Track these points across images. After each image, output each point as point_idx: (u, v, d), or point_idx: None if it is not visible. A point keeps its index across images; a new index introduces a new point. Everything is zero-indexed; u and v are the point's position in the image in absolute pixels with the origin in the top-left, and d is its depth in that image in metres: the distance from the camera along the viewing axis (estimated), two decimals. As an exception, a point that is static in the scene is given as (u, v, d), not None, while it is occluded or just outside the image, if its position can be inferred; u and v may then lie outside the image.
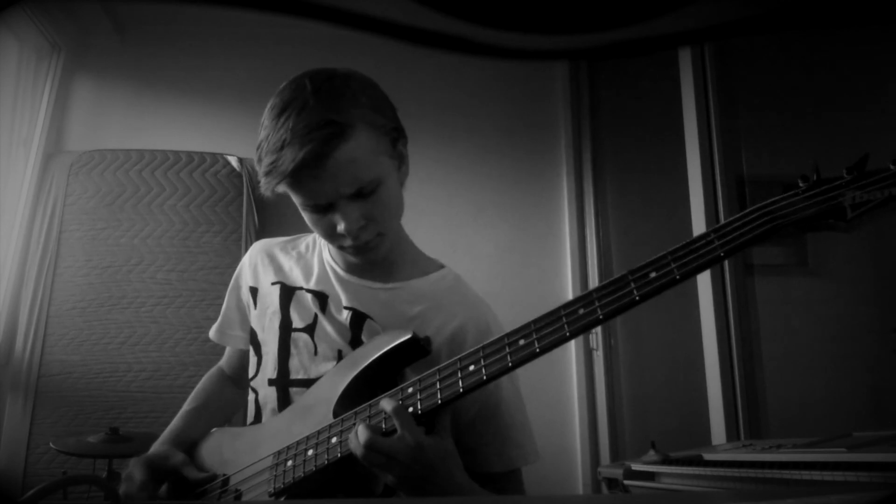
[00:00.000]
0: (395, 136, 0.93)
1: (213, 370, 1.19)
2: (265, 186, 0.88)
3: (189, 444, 1.03)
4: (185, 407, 1.10)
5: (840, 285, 1.71)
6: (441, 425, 0.81)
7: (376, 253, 0.95)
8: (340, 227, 0.88)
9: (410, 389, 0.82)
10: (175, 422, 1.07)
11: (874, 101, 1.61)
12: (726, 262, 1.77)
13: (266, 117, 0.89)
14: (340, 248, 0.94)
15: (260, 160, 0.87)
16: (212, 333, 1.18)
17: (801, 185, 0.69)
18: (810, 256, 1.75)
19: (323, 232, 0.92)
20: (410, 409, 0.80)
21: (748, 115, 1.92)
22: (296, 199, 0.91)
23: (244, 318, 1.12)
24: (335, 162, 0.83)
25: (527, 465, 0.98)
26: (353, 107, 0.86)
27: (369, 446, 0.76)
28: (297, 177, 0.84)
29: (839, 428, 1.03)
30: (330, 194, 0.86)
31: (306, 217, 0.93)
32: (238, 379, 1.17)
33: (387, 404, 0.80)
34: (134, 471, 0.94)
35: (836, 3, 0.38)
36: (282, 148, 0.83)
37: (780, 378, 1.72)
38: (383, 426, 0.80)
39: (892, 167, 0.65)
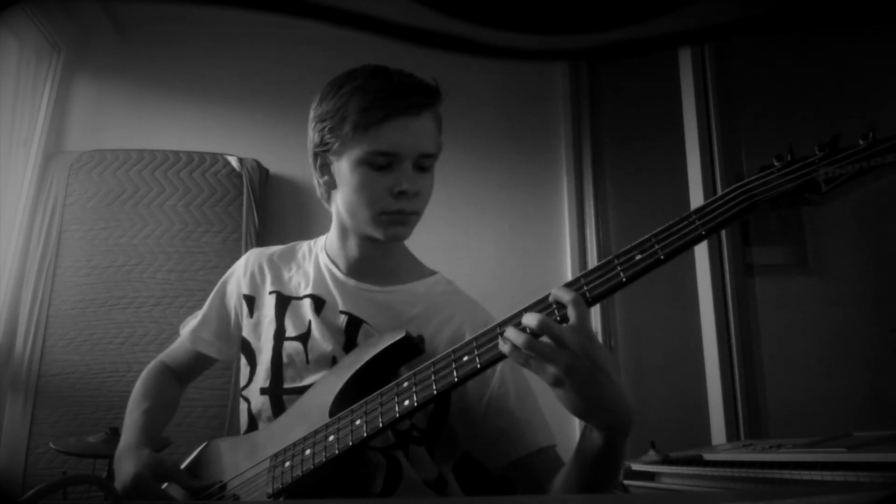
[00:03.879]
0: (440, 132, 1.00)
1: (155, 365, 1.17)
2: (353, 123, 0.90)
3: (152, 444, 1.02)
4: (142, 405, 1.08)
5: (840, 285, 1.71)
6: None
7: (406, 231, 0.97)
8: (403, 185, 0.91)
9: (406, 384, 0.82)
10: (137, 420, 1.05)
11: (874, 101, 1.61)
12: (726, 263, 1.77)
13: (346, 79, 0.94)
14: (381, 214, 0.94)
15: (344, 105, 0.91)
16: (184, 330, 1.17)
17: (776, 163, 0.71)
18: (810, 257, 1.75)
19: (373, 192, 0.93)
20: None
21: (748, 114, 1.92)
22: (369, 147, 0.91)
23: (223, 326, 1.12)
24: (424, 120, 0.93)
25: (550, 444, 0.94)
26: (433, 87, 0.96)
27: (542, 328, 0.71)
28: (393, 118, 0.90)
29: (839, 428, 1.03)
30: (408, 148, 0.91)
31: (359, 176, 0.93)
32: (181, 377, 1.18)
33: (564, 293, 0.74)
34: (142, 490, 0.93)
35: (836, 3, 0.38)
36: (383, 92, 0.90)
37: (779, 378, 1.72)
38: (556, 316, 0.74)
39: (861, 143, 0.67)
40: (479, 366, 0.77)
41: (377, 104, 0.89)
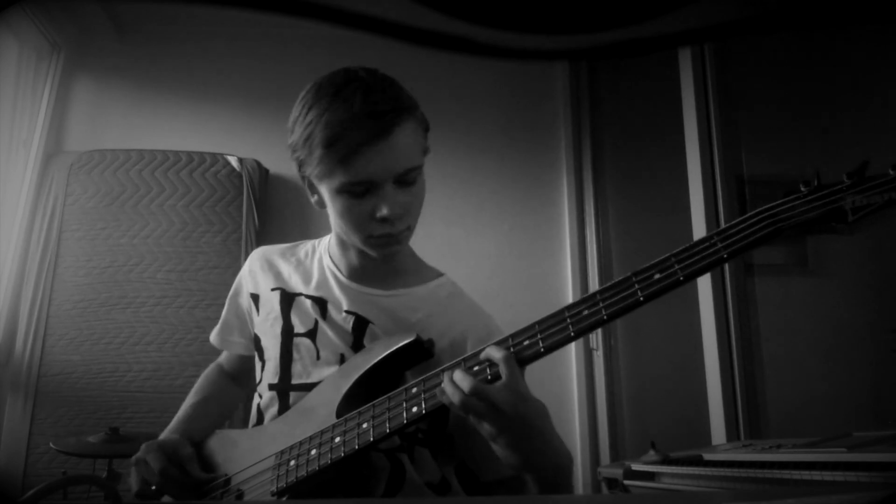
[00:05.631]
0: (426, 135, 0.96)
1: (212, 366, 1.20)
2: (318, 160, 0.87)
3: (196, 435, 1.03)
4: (191, 399, 1.11)
5: (840, 285, 1.72)
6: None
7: (400, 247, 0.95)
8: (383, 211, 0.88)
9: (415, 389, 0.82)
10: (183, 412, 1.07)
11: (874, 100, 1.61)
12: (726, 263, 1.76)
13: (312, 98, 0.90)
14: (369, 238, 0.92)
15: (310, 137, 0.88)
16: (212, 337, 1.18)
17: (802, 189, 0.70)
18: (810, 257, 1.75)
19: (356, 219, 0.91)
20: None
21: (748, 114, 1.92)
22: (341, 179, 0.88)
23: (243, 325, 1.13)
24: (396, 140, 0.87)
25: None
26: (404, 95, 0.91)
27: (474, 392, 0.73)
28: (360, 150, 0.85)
29: (839, 428, 1.03)
30: (383, 173, 0.87)
31: (341, 203, 0.91)
32: (237, 377, 1.19)
33: (496, 351, 0.76)
34: (148, 456, 0.93)
35: (836, 3, 0.38)
36: (348, 120, 0.85)
37: (779, 378, 1.72)
38: (487, 375, 0.76)
39: (891, 172, 0.66)
40: (489, 377, 0.77)
41: (341, 138, 0.85)
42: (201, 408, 1.09)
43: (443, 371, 0.81)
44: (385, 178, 0.88)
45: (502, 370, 0.74)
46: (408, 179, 0.90)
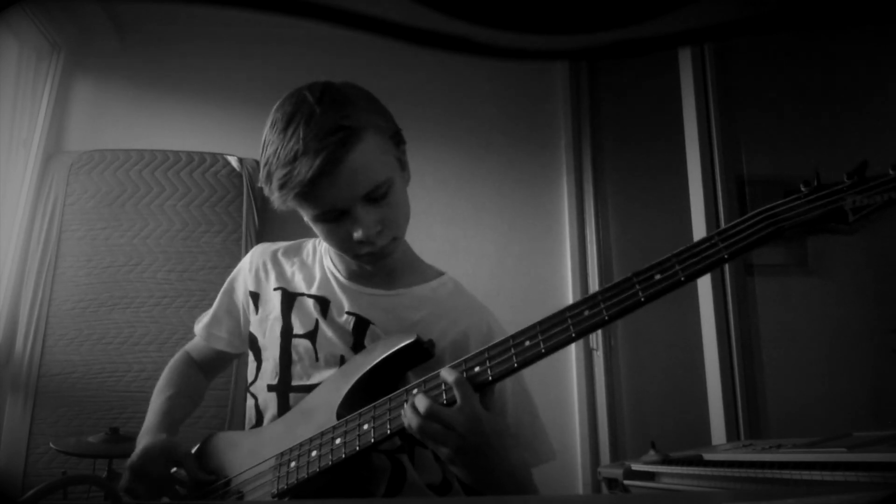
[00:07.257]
0: (397, 140, 0.94)
1: (180, 355, 1.19)
2: (279, 200, 0.88)
3: (173, 431, 1.03)
4: (166, 392, 1.10)
5: (840, 285, 1.71)
6: (490, 402, 0.80)
7: (391, 258, 0.96)
8: (358, 234, 0.88)
9: (416, 391, 0.82)
10: (160, 406, 1.06)
11: (874, 100, 1.61)
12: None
13: (269, 133, 0.89)
14: (356, 256, 0.94)
15: (270, 175, 0.88)
16: (197, 328, 1.17)
17: (802, 189, 0.70)
18: (810, 256, 1.75)
19: (338, 241, 0.92)
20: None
21: (748, 115, 1.92)
22: (309, 212, 0.90)
23: (234, 322, 1.13)
24: (350, 165, 0.85)
25: (538, 465, 0.97)
26: (358, 111, 0.87)
27: (429, 414, 0.75)
28: (313, 185, 0.84)
29: (839, 428, 1.03)
30: (346, 199, 0.87)
31: (319, 229, 0.93)
32: (205, 369, 1.19)
33: (448, 374, 0.78)
34: (149, 465, 0.93)
35: (836, 3, 0.38)
36: (295, 159, 0.84)
37: (780, 378, 1.72)
38: (444, 399, 0.78)
39: (891, 172, 0.66)
40: (490, 378, 0.77)
41: (291, 177, 0.84)
42: (175, 402, 1.09)
43: (440, 376, 0.81)
44: (350, 202, 0.87)
45: (456, 394, 0.76)
46: (377, 196, 0.88)
